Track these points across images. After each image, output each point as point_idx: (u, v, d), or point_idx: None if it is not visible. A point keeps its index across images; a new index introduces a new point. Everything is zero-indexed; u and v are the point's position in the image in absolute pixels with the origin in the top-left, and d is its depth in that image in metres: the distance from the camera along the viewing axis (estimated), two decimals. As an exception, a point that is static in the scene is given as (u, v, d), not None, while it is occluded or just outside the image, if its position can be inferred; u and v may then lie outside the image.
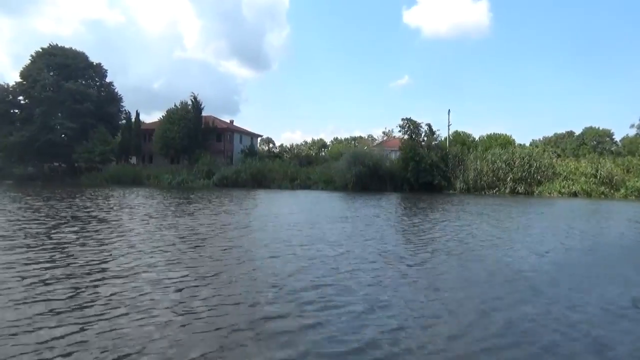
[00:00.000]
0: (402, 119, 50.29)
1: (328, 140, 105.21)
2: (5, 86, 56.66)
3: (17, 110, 57.64)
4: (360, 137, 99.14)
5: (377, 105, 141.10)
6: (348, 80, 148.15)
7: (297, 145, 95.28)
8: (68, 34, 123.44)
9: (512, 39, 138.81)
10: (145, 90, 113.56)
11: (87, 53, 60.46)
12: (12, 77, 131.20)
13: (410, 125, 50.19)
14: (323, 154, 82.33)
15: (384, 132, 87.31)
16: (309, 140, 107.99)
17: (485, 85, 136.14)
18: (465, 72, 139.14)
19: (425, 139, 50.36)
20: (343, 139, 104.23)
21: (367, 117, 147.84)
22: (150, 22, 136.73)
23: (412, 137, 50.04)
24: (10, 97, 57.01)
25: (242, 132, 63.41)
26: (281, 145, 72.96)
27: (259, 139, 69.10)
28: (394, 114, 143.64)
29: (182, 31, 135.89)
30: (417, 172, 46.37)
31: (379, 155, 48.55)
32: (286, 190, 43.50)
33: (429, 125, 50.84)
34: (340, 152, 66.89)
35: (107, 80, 61.22)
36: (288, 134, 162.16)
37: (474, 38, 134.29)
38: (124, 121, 61.25)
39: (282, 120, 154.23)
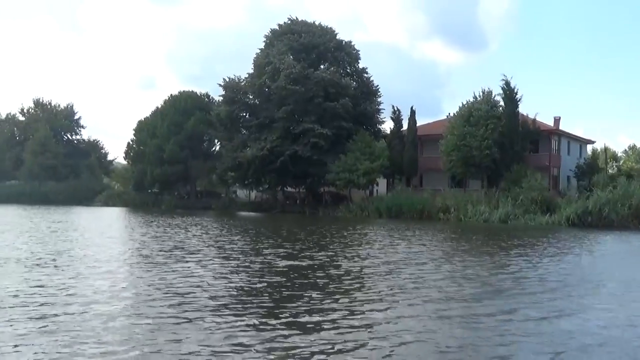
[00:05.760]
0: None
1: (619, 150, 72.75)
2: (236, 80, 41.16)
3: (246, 114, 41.92)
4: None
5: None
6: (604, 61, 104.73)
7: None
8: (225, 24, 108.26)
9: None
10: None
11: (245, 44, 42.42)
12: (164, 78, 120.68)
13: None
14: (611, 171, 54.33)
15: None
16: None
17: None
18: None
19: None
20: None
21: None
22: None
23: None
24: (239, 96, 41.48)
25: (571, 138, 40.78)
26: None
27: (590, 146, 45.39)
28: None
29: (361, 7, 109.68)
30: None
31: None
32: None
33: None
34: None
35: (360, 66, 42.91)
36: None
37: None
38: (388, 123, 42.48)
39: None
